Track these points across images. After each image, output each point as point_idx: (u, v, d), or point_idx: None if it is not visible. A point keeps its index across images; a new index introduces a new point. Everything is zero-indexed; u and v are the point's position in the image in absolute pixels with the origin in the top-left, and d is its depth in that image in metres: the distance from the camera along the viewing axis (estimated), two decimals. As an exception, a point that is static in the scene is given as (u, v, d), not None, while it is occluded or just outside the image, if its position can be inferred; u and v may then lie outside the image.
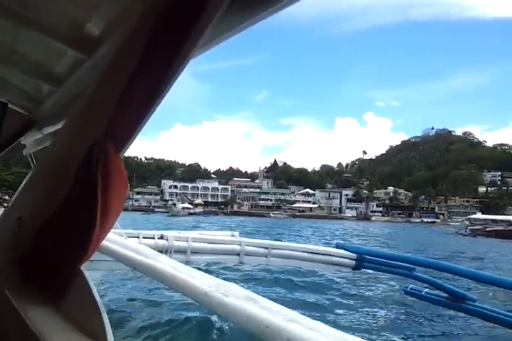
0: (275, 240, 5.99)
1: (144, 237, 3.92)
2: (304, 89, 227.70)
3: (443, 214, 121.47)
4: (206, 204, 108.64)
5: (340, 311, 9.12)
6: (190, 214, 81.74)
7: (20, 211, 1.38)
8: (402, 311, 9.42)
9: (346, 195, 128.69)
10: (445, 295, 5.29)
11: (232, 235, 4.97)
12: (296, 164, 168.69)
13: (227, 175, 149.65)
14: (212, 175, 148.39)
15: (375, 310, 9.64)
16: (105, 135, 1.14)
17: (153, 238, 4.13)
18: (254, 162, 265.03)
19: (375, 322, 8.46)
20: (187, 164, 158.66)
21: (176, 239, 4.26)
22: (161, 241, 4.15)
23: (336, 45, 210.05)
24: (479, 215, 74.25)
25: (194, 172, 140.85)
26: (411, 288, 5.75)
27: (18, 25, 1.86)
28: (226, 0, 1.04)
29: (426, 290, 5.57)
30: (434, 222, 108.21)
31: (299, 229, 47.77)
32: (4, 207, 1.87)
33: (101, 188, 1.06)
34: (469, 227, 56.73)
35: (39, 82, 2.39)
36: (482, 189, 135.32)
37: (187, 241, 4.31)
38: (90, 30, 1.68)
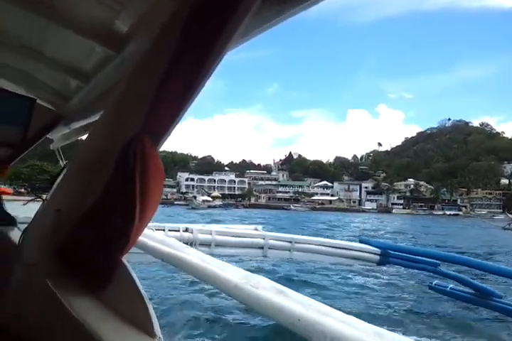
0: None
1: (169, 230, 3.97)
2: (315, 81, 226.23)
3: (465, 207, 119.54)
4: (223, 196, 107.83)
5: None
6: (209, 207, 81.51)
7: (58, 204, 1.41)
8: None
9: (366, 188, 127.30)
10: (471, 291, 5.21)
11: (256, 229, 4.99)
12: (309, 156, 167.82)
13: (240, 168, 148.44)
14: (226, 168, 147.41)
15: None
16: (142, 129, 1.15)
17: (179, 231, 4.17)
18: (266, 155, 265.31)
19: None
20: (200, 157, 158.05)
21: (201, 232, 4.30)
22: (186, 234, 4.20)
23: (347, 36, 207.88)
24: None
25: (207, 165, 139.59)
26: (436, 284, 5.68)
27: (47, 22, 1.89)
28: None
29: (451, 285, 5.49)
30: (457, 215, 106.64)
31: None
32: (43, 200, 1.90)
33: (139, 181, 1.08)
34: None
35: (67, 78, 2.42)
36: (504, 181, 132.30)
37: (211, 234, 4.35)
38: (119, 26, 1.69)
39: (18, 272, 1.47)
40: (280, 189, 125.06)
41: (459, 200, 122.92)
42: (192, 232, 4.23)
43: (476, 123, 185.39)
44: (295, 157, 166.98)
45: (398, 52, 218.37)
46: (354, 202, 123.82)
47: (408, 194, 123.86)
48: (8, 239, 2.08)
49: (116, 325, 0.99)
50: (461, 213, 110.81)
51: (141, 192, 1.08)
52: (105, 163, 1.20)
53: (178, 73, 1.14)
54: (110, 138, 1.27)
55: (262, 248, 4.62)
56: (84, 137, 3.24)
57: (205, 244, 4.26)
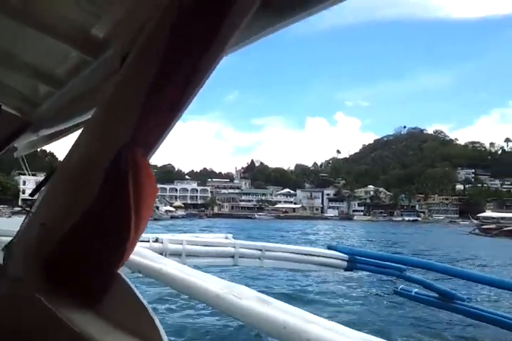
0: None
1: (139, 240, 3.85)
2: (275, 89, 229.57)
3: (423, 212, 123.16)
4: (186, 206, 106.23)
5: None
6: (172, 217, 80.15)
7: (43, 217, 1.35)
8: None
9: (328, 195, 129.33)
10: (435, 295, 5.35)
11: (226, 237, 4.96)
12: (270, 164, 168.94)
13: (201, 176, 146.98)
14: (187, 177, 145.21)
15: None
16: (133, 139, 1.12)
17: (148, 241, 4.09)
18: (227, 162, 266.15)
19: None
20: (159, 165, 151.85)
21: (171, 242, 4.23)
22: (156, 244, 4.12)
23: (304, 45, 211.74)
24: (490, 213, 72.35)
25: (168, 174, 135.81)
26: (401, 289, 5.81)
27: (19, 24, 1.81)
28: (254, 4, 1.04)
29: (416, 290, 5.62)
30: (416, 220, 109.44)
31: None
32: (27, 212, 1.80)
33: (132, 192, 1.05)
34: (483, 227, 55.24)
35: (37, 83, 2.34)
36: (459, 186, 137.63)
37: (182, 243, 4.28)
38: (97, 30, 1.64)
39: (4, 287, 1.40)
40: (243, 197, 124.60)
41: (417, 206, 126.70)
42: (162, 242, 4.15)
43: (430, 130, 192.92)
44: (257, 165, 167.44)
45: (354, 61, 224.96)
46: (317, 209, 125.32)
47: (368, 201, 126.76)
48: None
49: (121, 337, 0.96)
50: (419, 219, 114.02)
51: (135, 203, 1.05)
52: (94, 173, 1.16)
53: (168, 81, 1.12)
54: (99, 147, 1.23)
55: (232, 257, 4.60)
56: (52, 145, 3.15)
57: (176, 254, 4.19)
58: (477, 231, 54.65)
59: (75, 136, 2.56)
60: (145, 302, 1.00)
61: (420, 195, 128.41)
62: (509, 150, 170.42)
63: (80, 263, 1.18)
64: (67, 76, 2.10)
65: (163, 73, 1.12)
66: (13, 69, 2.27)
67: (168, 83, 1.12)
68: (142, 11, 1.38)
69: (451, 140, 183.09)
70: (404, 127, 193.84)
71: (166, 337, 0.93)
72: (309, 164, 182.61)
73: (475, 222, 64.41)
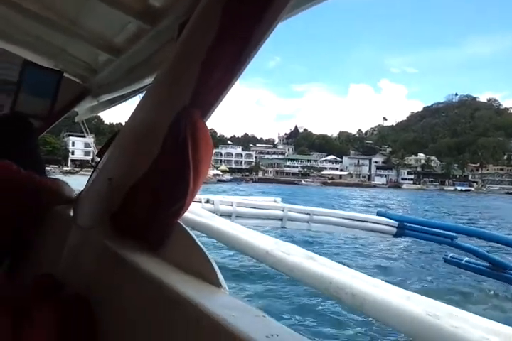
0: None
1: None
2: (317, 55, 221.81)
3: (476, 182, 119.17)
4: (230, 170, 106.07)
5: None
6: (219, 181, 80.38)
7: (110, 172, 1.48)
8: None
9: (376, 162, 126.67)
10: (486, 264, 5.26)
11: (275, 201, 5.07)
12: (313, 131, 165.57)
13: (243, 142, 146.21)
14: (229, 142, 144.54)
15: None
16: (191, 102, 1.20)
17: (200, 202, 4.28)
18: (268, 129, 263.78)
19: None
20: None
21: (222, 204, 4.40)
22: (208, 205, 4.30)
23: (347, 9, 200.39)
24: None
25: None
26: (451, 257, 5.75)
27: None
28: None
29: (466, 258, 5.55)
30: (468, 190, 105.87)
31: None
32: (94, 168, 1.96)
33: (191, 150, 1.14)
34: None
35: (97, 51, 2.45)
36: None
37: (232, 205, 4.45)
38: (154, 0, 1.71)
39: (74, 235, 1.56)
40: (288, 163, 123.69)
41: (470, 176, 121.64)
42: (213, 203, 4.33)
43: (482, 98, 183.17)
44: (300, 131, 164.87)
45: (401, 28, 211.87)
46: (363, 176, 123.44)
47: (419, 169, 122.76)
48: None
49: (184, 277, 1.07)
50: (472, 189, 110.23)
51: (193, 162, 1.15)
52: (156, 134, 1.26)
53: (224, 48, 1.17)
54: (160, 110, 1.32)
55: (281, 219, 4.72)
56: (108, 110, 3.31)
57: (226, 215, 4.36)
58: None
59: (132, 101, 2.69)
60: (203, 247, 1.10)
61: (473, 165, 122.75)
62: None
63: (144, 214, 1.31)
64: (126, 44, 2.18)
65: (220, 39, 1.17)
66: (74, 37, 2.38)
67: (225, 49, 1.18)
68: None
69: (506, 108, 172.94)
70: (456, 95, 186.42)
71: (222, 277, 1.03)
72: (353, 131, 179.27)
73: None
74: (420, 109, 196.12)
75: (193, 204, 3.96)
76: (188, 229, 1.19)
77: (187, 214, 2.31)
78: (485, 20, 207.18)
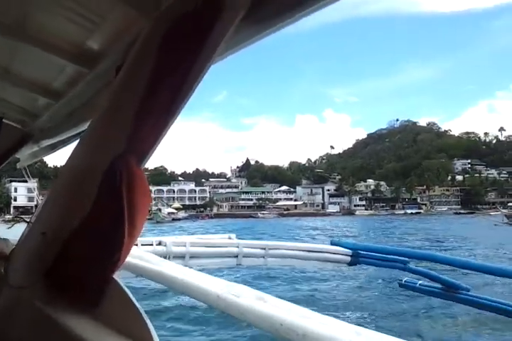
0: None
1: (142, 244, 3.94)
2: (263, 87, 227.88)
3: (425, 204, 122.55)
4: (184, 207, 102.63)
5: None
6: (174, 219, 77.67)
7: (43, 226, 1.41)
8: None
9: (328, 190, 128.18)
10: (439, 286, 5.39)
11: (229, 237, 5.01)
12: (265, 162, 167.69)
13: (194, 177, 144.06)
14: (180, 178, 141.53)
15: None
16: (126, 148, 1.18)
17: (152, 245, 4.15)
18: (219, 163, 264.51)
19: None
20: (151, 168, 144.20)
21: (175, 245, 4.28)
22: (160, 248, 4.17)
23: (290, 44, 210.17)
24: None
25: (160, 176, 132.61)
26: (405, 281, 5.85)
27: (16, 41, 1.88)
28: (240, 13, 1.09)
29: (420, 282, 5.66)
30: (418, 213, 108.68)
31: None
32: (27, 222, 1.85)
33: (126, 200, 1.11)
34: None
35: (36, 96, 2.41)
36: (459, 177, 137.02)
37: (185, 245, 4.34)
38: (92, 43, 1.71)
39: (6, 296, 1.46)
40: (243, 196, 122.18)
41: (418, 198, 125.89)
42: (166, 245, 4.22)
43: (422, 122, 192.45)
44: (252, 163, 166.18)
45: (340, 58, 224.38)
46: (317, 205, 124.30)
47: (370, 195, 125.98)
48: None
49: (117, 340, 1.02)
50: (422, 211, 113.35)
51: (128, 211, 1.11)
52: (90, 183, 1.22)
53: (159, 90, 1.18)
54: (95, 157, 1.29)
55: (236, 256, 4.65)
56: (52, 155, 3.22)
57: (180, 257, 4.25)
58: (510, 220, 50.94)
59: (74, 145, 2.63)
60: (138, 305, 1.06)
61: (420, 188, 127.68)
62: (503, 139, 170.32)
63: (78, 270, 1.24)
64: (65, 88, 2.16)
65: (154, 82, 1.18)
66: (12, 83, 2.33)
67: (160, 92, 1.19)
68: (134, 24, 1.44)
69: (445, 131, 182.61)
70: (397, 120, 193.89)
71: (157, 338, 0.99)
72: (303, 161, 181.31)
73: (503, 211, 60.40)
74: (364, 136, 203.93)
75: (143, 247, 3.83)
76: (123, 286, 1.15)
77: (135, 261, 2.24)
78: (412, 49, 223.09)
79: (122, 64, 1.36)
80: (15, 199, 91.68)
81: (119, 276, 1.24)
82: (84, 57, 1.79)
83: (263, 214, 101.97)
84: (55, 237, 1.32)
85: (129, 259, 2.18)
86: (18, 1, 1.54)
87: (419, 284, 5.59)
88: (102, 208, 1.18)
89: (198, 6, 1.15)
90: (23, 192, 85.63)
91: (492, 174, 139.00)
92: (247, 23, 1.17)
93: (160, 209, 79.43)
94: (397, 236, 36.07)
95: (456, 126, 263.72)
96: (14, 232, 2.08)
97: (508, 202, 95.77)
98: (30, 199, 76.59)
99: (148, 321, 1.02)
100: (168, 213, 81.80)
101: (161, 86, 1.20)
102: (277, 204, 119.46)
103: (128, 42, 1.47)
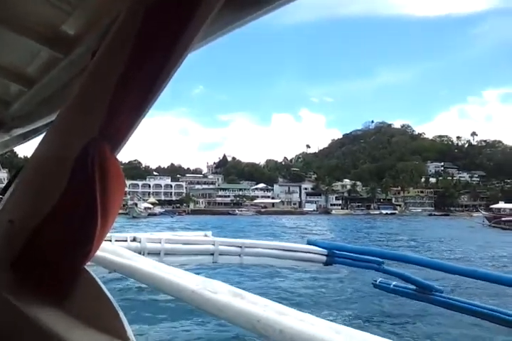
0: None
1: (116, 240, 3.85)
2: (239, 84, 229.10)
3: (400, 205, 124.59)
4: (160, 203, 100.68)
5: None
6: (150, 214, 75.87)
7: (10, 213, 1.35)
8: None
9: (305, 189, 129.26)
10: (413, 287, 5.45)
11: (206, 235, 4.95)
12: (241, 159, 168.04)
13: (169, 172, 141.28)
14: (155, 173, 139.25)
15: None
16: (100, 134, 1.12)
17: (126, 241, 4.05)
18: (194, 158, 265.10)
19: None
20: (125, 161, 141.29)
21: (149, 241, 4.20)
22: (134, 244, 4.08)
23: (268, 41, 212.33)
24: (503, 205, 67.58)
25: (134, 170, 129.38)
26: (380, 282, 5.89)
27: None
28: (219, 1, 1.06)
29: (394, 283, 5.70)
30: (393, 214, 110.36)
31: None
32: None
33: (99, 188, 1.06)
34: (502, 219, 51.42)
35: (8, 82, 2.30)
36: (432, 179, 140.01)
37: (160, 242, 4.27)
38: (67, 27, 1.63)
39: None
40: (220, 193, 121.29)
41: (393, 199, 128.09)
42: (140, 241, 4.13)
43: (396, 124, 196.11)
44: (229, 159, 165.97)
45: (317, 58, 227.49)
46: (295, 204, 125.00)
47: (346, 194, 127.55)
48: None
49: (88, 333, 0.97)
50: (396, 212, 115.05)
51: (101, 199, 1.06)
52: (61, 169, 1.16)
53: (135, 77, 1.13)
54: (66, 143, 1.23)
55: (212, 254, 4.60)
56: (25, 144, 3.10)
57: (154, 253, 4.17)
58: (488, 223, 51.81)
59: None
60: (110, 296, 1.01)
61: (395, 189, 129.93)
62: (475, 143, 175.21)
63: (47, 260, 1.19)
64: (38, 74, 2.07)
65: (130, 69, 1.13)
66: None
67: (135, 79, 1.13)
68: (111, 7, 1.39)
69: (419, 134, 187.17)
70: (372, 122, 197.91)
71: (131, 330, 0.94)
72: (280, 159, 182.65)
73: (484, 213, 61.59)
74: (340, 136, 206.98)
75: (117, 243, 3.75)
76: (95, 276, 1.09)
77: (107, 255, 2.17)
78: (389, 52, 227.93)
79: (98, 49, 1.31)
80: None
81: (92, 272, 1.18)
82: (60, 42, 1.71)
83: (241, 211, 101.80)
84: (23, 225, 1.25)
85: (102, 254, 2.11)
86: None
87: (393, 285, 5.65)
88: (74, 195, 1.13)
89: None
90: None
91: (464, 177, 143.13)
92: (228, 9, 1.13)
93: (136, 204, 77.45)
94: (381, 239, 35.29)
95: (428, 129, 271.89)
96: None
97: (480, 205, 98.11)
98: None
99: (121, 313, 0.97)
100: (145, 208, 79.65)
101: (138, 72, 1.15)
102: (255, 201, 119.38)
103: (105, 26, 1.41)
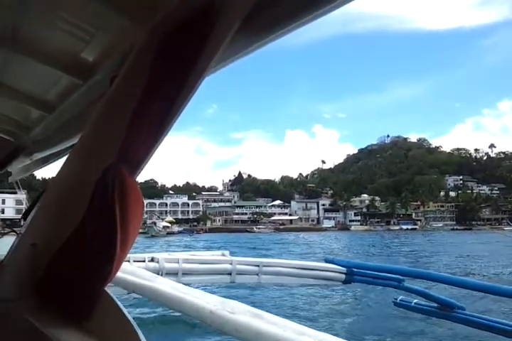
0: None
1: (134, 260, 3.87)
2: (252, 103, 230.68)
3: (420, 220, 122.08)
4: (177, 221, 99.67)
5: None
6: (168, 233, 75.61)
7: (33, 237, 1.38)
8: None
9: (323, 205, 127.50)
10: (434, 304, 5.32)
11: (223, 254, 4.93)
12: (257, 176, 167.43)
13: (185, 191, 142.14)
14: (170, 191, 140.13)
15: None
16: (119, 158, 1.15)
17: (144, 261, 4.07)
18: (208, 176, 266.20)
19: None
20: (142, 181, 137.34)
21: (167, 261, 4.20)
22: (152, 264, 4.09)
23: (280, 60, 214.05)
24: None
25: (151, 189, 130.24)
26: (400, 300, 5.77)
27: (8, 52, 1.86)
28: (235, 25, 1.09)
29: (415, 300, 5.58)
30: (414, 229, 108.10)
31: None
32: (17, 234, 1.81)
33: (119, 211, 1.08)
34: None
35: (28, 108, 2.38)
36: (452, 193, 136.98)
37: (178, 262, 4.26)
38: (86, 55, 1.69)
39: None
40: (236, 210, 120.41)
41: (413, 214, 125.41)
42: (158, 262, 4.14)
43: (413, 138, 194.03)
44: (244, 177, 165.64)
45: (331, 74, 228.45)
46: (313, 220, 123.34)
47: (364, 210, 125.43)
48: None
49: None
50: (417, 227, 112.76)
51: (121, 222, 1.08)
52: (82, 193, 1.19)
53: (153, 102, 1.16)
54: (86, 167, 1.26)
55: (230, 274, 4.57)
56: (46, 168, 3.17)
57: (173, 273, 4.17)
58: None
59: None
60: (130, 317, 1.02)
61: (415, 203, 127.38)
62: (494, 155, 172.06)
63: (69, 282, 1.21)
64: (58, 100, 2.14)
65: (148, 94, 1.16)
66: (4, 95, 2.30)
67: (154, 103, 1.17)
68: (129, 34, 1.44)
69: (436, 147, 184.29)
70: (388, 136, 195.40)
71: None
72: (295, 175, 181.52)
73: None
74: (355, 151, 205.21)
75: (135, 263, 3.76)
76: (114, 298, 1.11)
77: (127, 277, 2.18)
78: (401, 66, 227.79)
79: (117, 75, 1.35)
80: (2, 212, 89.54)
81: (111, 293, 1.20)
82: (79, 68, 1.77)
83: (259, 228, 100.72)
84: (45, 249, 1.28)
85: (121, 275, 2.13)
86: (11, 11, 1.53)
87: (415, 303, 5.52)
88: (94, 219, 1.15)
89: (193, 18, 1.15)
90: (11, 204, 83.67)
91: (483, 190, 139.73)
92: (242, 34, 1.16)
93: (155, 223, 77.56)
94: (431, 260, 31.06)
95: (444, 142, 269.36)
96: (2, 245, 2.03)
97: (503, 219, 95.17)
98: (18, 211, 74.84)
99: (141, 335, 0.98)
100: (163, 227, 79.61)
101: (155, 97, 1.19)
102: (272, 218, 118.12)
103: (123, 53, 1.46)
